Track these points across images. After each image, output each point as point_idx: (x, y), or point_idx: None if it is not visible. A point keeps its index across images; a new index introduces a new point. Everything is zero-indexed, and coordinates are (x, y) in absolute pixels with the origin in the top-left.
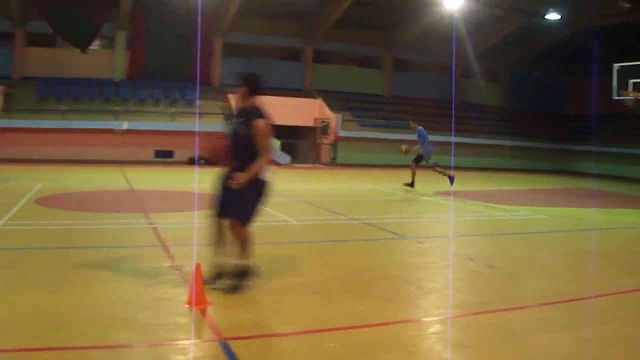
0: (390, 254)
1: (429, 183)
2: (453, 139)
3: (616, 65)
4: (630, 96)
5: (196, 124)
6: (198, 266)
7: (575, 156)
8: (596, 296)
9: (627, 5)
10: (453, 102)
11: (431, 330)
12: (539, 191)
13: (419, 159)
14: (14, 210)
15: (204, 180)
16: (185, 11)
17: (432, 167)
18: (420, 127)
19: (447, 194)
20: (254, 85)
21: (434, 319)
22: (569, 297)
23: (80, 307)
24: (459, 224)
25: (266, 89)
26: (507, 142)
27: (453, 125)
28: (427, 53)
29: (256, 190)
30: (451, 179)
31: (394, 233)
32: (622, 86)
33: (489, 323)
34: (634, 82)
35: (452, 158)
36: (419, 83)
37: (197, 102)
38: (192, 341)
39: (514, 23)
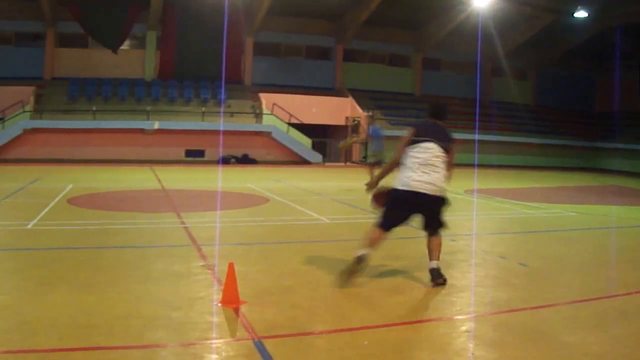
0: (421, 252)
1: (459, 181)
2: (477, 137)
3: None
4: None
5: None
6: (231, 265)
7: (604, 153)
8: (628, 293)
9: None
10: (477, 99)
11: (463, 328)
12: (567, 189)
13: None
14: (46, 210)
15: (234, 180)
16: (216, 10)
17: (371, 165)
18: (373, 126)
19: (476, 191)
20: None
21: (466, 316)
22: (601, 294)
23: (114, 306)
24: (489, 221)
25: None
26: (535, 140)
27: (477, 123)
28: (456, 51)
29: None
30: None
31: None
32: None
33: (521, 321)
34: None
35: (476, 156)
36: (448, 81)
37: (223, 100)
38: (226, 340)
39: (543, 21)
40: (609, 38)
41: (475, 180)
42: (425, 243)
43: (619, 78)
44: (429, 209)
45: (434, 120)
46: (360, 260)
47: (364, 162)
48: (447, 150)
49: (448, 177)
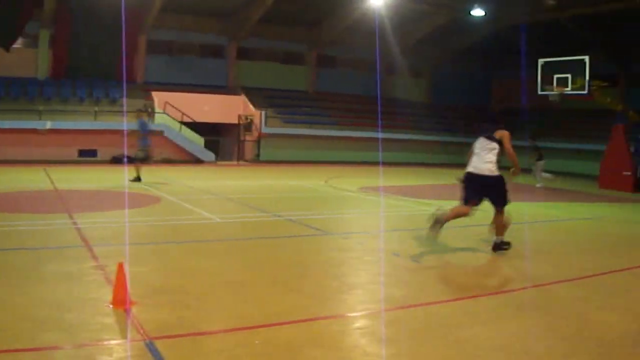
0: (315, 250)
1: (353, 179)
2: (380, 135)
3: (541, 61)
4: (555, 91)
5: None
6: (121, 265)
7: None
8: (523, 288)
9: (551, 2)
10: (379, 98)
11: (356, 325)
12: None
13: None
14: None
15: (127, 180)
16: (109, 9)
17: (136, 162)
18: (141, 119)
19: (371, 189)
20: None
21: (359, 314)
22: (496, 289)
23: (5, 309)
24: (383, 219)
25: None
26: (433, 138)
27: (380, 121)
28: (351, 49)
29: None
30: (138, 179)
31: (319, 229)
32: (547, 81)
33: (414, 317)
34: (558, 77)
35: (380, 154)
36: (344, 79)
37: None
38: (118, 341)
39: (440, 19)
40: (507, 36)
41: (373, 178)
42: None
43: (518, 76)
44: (481, 186)
45: (485, 124)
46: (437, 221)
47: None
48: (498, 142)
49: (511, 160)
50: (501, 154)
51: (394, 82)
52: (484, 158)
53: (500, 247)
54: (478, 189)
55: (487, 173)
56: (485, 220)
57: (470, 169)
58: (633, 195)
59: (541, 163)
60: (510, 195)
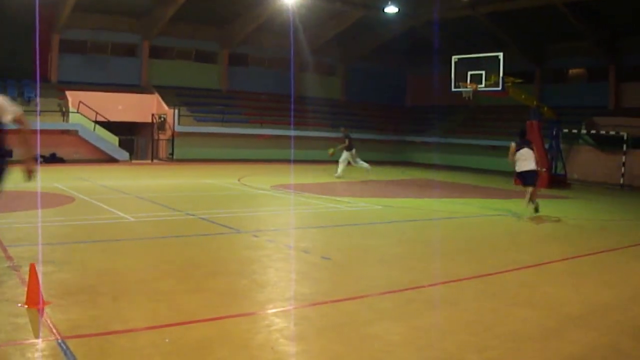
0: (226, 248)
1: (266, 177)
2: (292, 133)
3: (455, 58)
4: (468, 88)
5: (37, 122)
6: (33, 266)
7: (416, 147)
8: (432, 284)
9: None
10: (292, 95)
11: (265, 322)
12: (377, 183)
13: None
14: None
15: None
16: (23, 7)
17: None
18: None
19: (283, 187)
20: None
21: (269, 311)
22: (405, 286)
23: None
24: (294, 216)
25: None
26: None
27: (292, 119)
28: (264, 47)
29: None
30: None
31: (230, 227)
32: (461, 78)
33: (323, 314)
34: (472, 74)
35: (292, 151)
36: (256, 77)
37: (38, 99)
38: (31, 341)
39: (352, 16)
40: (421, 33)
41: (285, 176)
42: (529, 192)
43: (432, 73)
44: (528, 176)
45: (522, 137)
46: (537, 208)
47: (170, 158)
48: (532, 149)
49: (537, 160)
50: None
51: (307, 79)
52: (531, 160)
53: (538, 207)
54: (534, 176)
55: (535, 167)
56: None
57: (526, 167)
58: (549, 191)
59: (352, 153)
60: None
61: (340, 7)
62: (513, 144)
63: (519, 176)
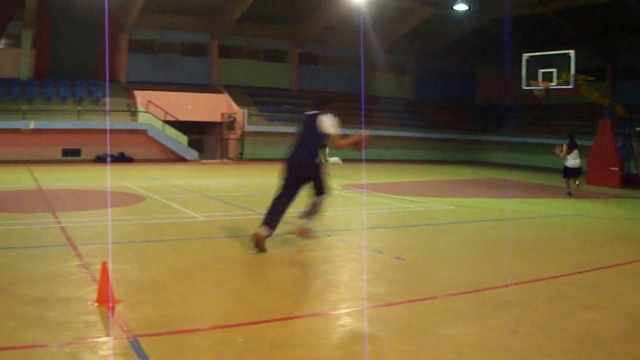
0: (299, 247)
1: (338, 177)
2: (363, 132)
3: (525, 55)
4: (539, 86)
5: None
6: (105, 264)
7: (486, 147)
8: (505, 285)
9: None
10: (362, 95)
11: (339, 323)
12: (448, 182)
13: None
14: None
15: (110, 178)
16: (91, 8)
17: None
18: None
19: (355, 186)
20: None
21: (342, 311)
22: (478, 286)
23: None
24: (366, 216)
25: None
26: (416, 134)
27: (363, 118)
28: (333, 46)
29: None
30: None
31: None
32: (532, 76)
33: (397, 314)
34: (543, 72)
35: (363, 151)
36: (326, 76)
37: (108, 99)
38: (102, 339)
39: (422, 14)
40: (491, 31)
41: (356, 175)
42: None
43: (502, 71)
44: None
45: (571, 139)
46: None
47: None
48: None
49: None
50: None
51: (377, 79)
52: (579, 160)
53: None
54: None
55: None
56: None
57: (575, 165)
58: (622, 191)
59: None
60: None
61: (410, 5)
62: (565, 145)
63: (568, 170)
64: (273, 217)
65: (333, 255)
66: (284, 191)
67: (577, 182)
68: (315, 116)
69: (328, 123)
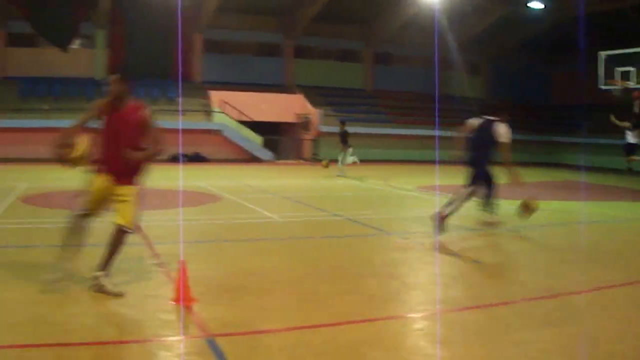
0: (375, 250)
1: (412, 178)
2: (437, 132)
3: (602, 54)
4: (617, 85)
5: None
6: (183, 263)
7: (561, 148)
8: (583, 291)
9: None
10: (436, 95)
11: (416, 326)
12: (522, 185)
13: None
14: (2, 209)
15: (185, 178)
16: (164, 8)
17: None
18: None
19: (430, 188)
20: None
21: (419, 314)
22: (557, 292)
23: (70, 304)
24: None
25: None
26: None
27: (437, 118)
28: (407, 45)
29: None
30: None
31: (378, 229)
32: (609, 75)
33: (475, 318)
34: (621, 71)
35: (437, 152)
36: (400, 76)
37: (180, 99)
38: (179, 338)
39: (496, 13)
40: (566, 29)
41: (431, 176)
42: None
43: (577, 70)
44: None
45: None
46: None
47: (314, 158)
48: None
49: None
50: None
51: (450, 78)
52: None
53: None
54: None
55: None
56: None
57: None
58: None
59: (350, 150)
60: None
61: (485, 4)
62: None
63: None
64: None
65: (410, 258)
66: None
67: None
68: (491, 123)
69: (504, 132)
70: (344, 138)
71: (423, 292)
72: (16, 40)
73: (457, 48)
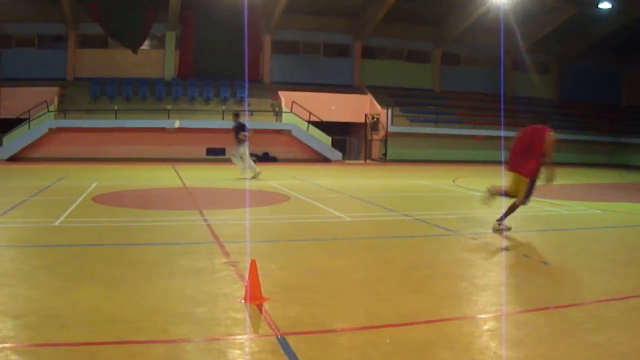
0: (444, 250)
1: (480, 178)
2: (502, 133)
3: None
4: None
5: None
6: (253, 262)
7: (633, 149)
8: None
9: None
10: (502, 95)
11: (486, 327)
12: (593, 186)
13: None
14: (72, 207)
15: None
16: (233, 10)
17: None
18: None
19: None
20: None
21: (489, 315)
22: (628, 293)
23: (139, 302)
24: (511, 219)
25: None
26: (559, 136)
27: (502, 119)
28: (476, 46)
29: None
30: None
31: (447, 229)
32: None
33: (544, 320)
34: None
35: (502, 153)
36: (468, 76)
37: (247, 99)
38: (250, 336)
39: (566, 13)
40: (635, 29)
41: (499, 177)
42: None
43: None
44: None
45: None
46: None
47: (383, 159)
48: None
49: None
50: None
51: (519, 79)
52: None
53: None
54: None
55: None
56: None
57: None
58: None
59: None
60: None
61: (554, 4)
62: None
63: None
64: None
65: (479, 259)
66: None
67: None
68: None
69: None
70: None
71: (492, 293)
72: (87, 42)
73: (526, 48)
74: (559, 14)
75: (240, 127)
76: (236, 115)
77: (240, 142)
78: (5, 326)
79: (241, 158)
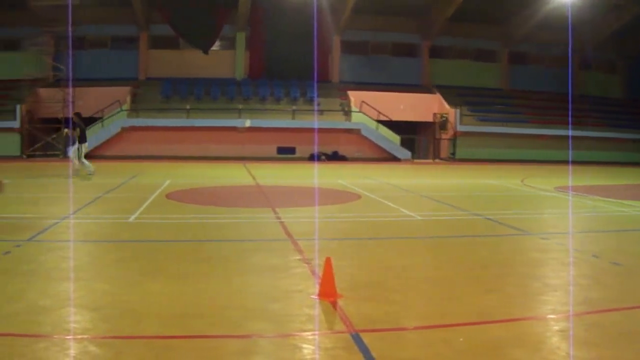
0: (515, 249)
1: (549, 178)
2: (570, 133)
3: None
4: None
5: (315, 121)
6: (329, 259)
7: None
8: None
9: None
10: (570, 94)
11: (557, 327)
12: None
13: None
14: (146, 204)
15: (325, 176)
16: (303, 10)
17: None
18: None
19: (567, 189)
20: None
21: (560, 315)
22: None
23: (213, 297)
24: (580, 219)
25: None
26: (629, 135)
27: (570, 118)
28: (543, 44)
29: None
30: None
31: (517, 229)
32: None
33: (615, 321)
34: None
35: (570, 152)
36: (536, 75)
37: (316, 99)
38: (324, 332)
39: (631, 11)
40: None
41: (567, 177)
42: None
43: None
44: None
45: None
46: None
47: (452, 158)
48: None
49: None
50: None
51: (586, 77)
52: None
53: None
54: None
55: None
56: None
57: None
58: None
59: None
60: None
61: (621, 2)
62: None
63: None
64: None
65: (550, 259)
66: None
67: None
68: None
69: None
70: (82, 132)
71: (563, 293)
72: (158, 43)
73: (594, 46)
74: (624, 12)
75: (76, 126)
76: (76, 114)
77: (74, 140)
78: (83, 318)
79: (78, 158)
